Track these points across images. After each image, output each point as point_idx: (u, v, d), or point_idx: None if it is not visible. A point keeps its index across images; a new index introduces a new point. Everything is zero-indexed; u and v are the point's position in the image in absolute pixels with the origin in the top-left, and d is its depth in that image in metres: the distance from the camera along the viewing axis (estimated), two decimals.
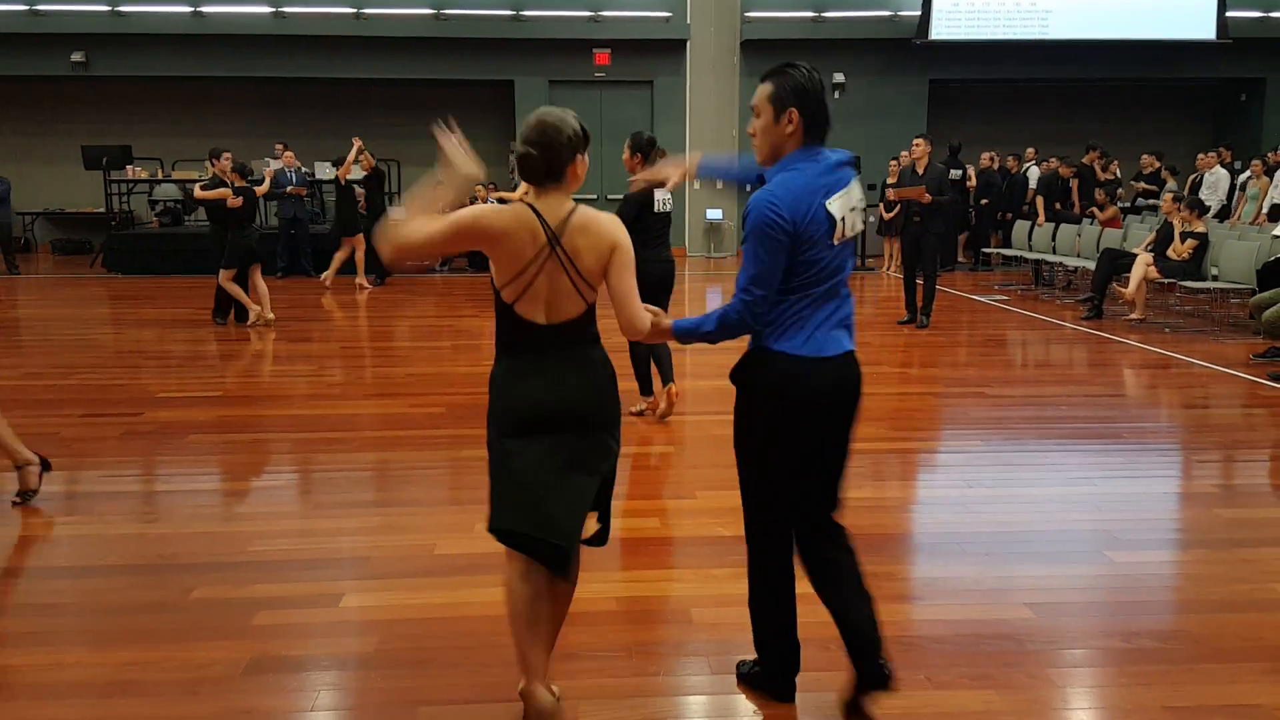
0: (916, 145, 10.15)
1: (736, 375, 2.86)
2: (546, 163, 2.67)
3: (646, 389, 6.66)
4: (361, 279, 13.11)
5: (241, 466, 5.56)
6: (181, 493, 5.08)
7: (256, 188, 10.74)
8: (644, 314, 2.75)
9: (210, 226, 10.23)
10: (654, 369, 6.53)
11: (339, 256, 13.15)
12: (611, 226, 2.72)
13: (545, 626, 2.84)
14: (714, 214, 18.12)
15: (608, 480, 2.85)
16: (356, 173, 13.39)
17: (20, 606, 3.70)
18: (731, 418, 2.88)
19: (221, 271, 9.88)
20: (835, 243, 2.74)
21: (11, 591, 3.83)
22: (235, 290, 9.95)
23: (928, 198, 9.75)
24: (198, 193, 9.89)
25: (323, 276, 13.30)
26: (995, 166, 15.82)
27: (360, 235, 13.02)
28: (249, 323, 10.02)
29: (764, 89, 2.76)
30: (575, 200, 2.76)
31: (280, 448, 5.90)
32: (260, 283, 10.08)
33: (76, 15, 16.44)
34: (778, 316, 2.75)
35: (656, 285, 6.07)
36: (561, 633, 3.42)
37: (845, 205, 2.75)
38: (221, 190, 9.83)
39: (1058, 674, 3.22)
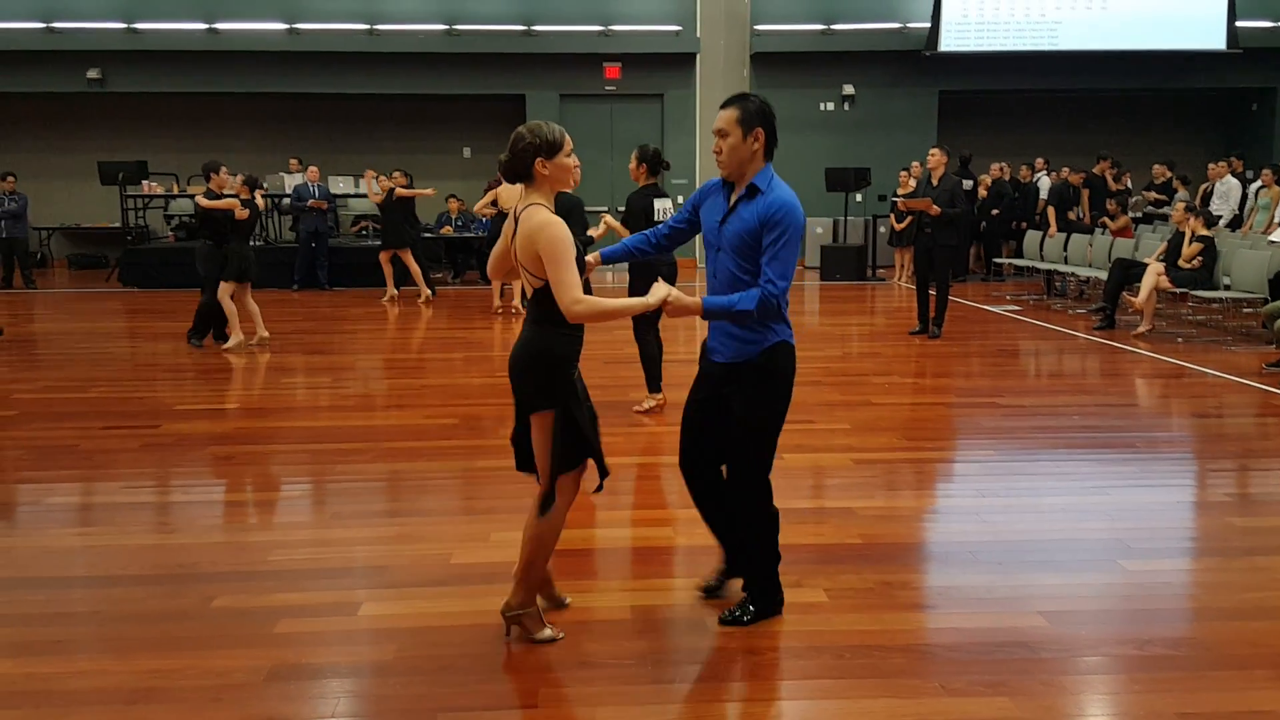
0: (932, 155, 10.14)
1: (767, 362, 3.38)
2: (510, 165, 3.25)
3: (655, 386, 6.93)
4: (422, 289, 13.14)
5: (259, 477, 5.62)
6: (200, 503, 5.13)
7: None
8: (574, 301, 3.09)
9: (203, 242, 9.77)
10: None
11: (390, 270, 13.15)
12: (536, 222, 3.15)
13: None
14: None
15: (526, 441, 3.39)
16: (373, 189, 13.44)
17: (44, 616, 3.75)
18: None
19: (222, 285, 9.47)
20: None
21: (35, 601, 3.88)
22: (230, 308, 9.55)
23: (935, 210, 9.76)
24: (203, 202, 9.55)
25: (386, 295, 13.22)
26: (1005, 177, 15.85)
27: (409, 249, 13.01)
28: (230, 345, 9.58)
29: (729, 113, 3.34)
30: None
31: (297, 459, 5.95)
32: (251, 302, 9.71)
33: (92, 33, 16.64)
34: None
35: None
36: (577, 641, 3.48)
37: None
38: (229, 200, 9.56)
39: (1072, 681, 3.24)
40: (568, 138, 3.28)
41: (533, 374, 3.27)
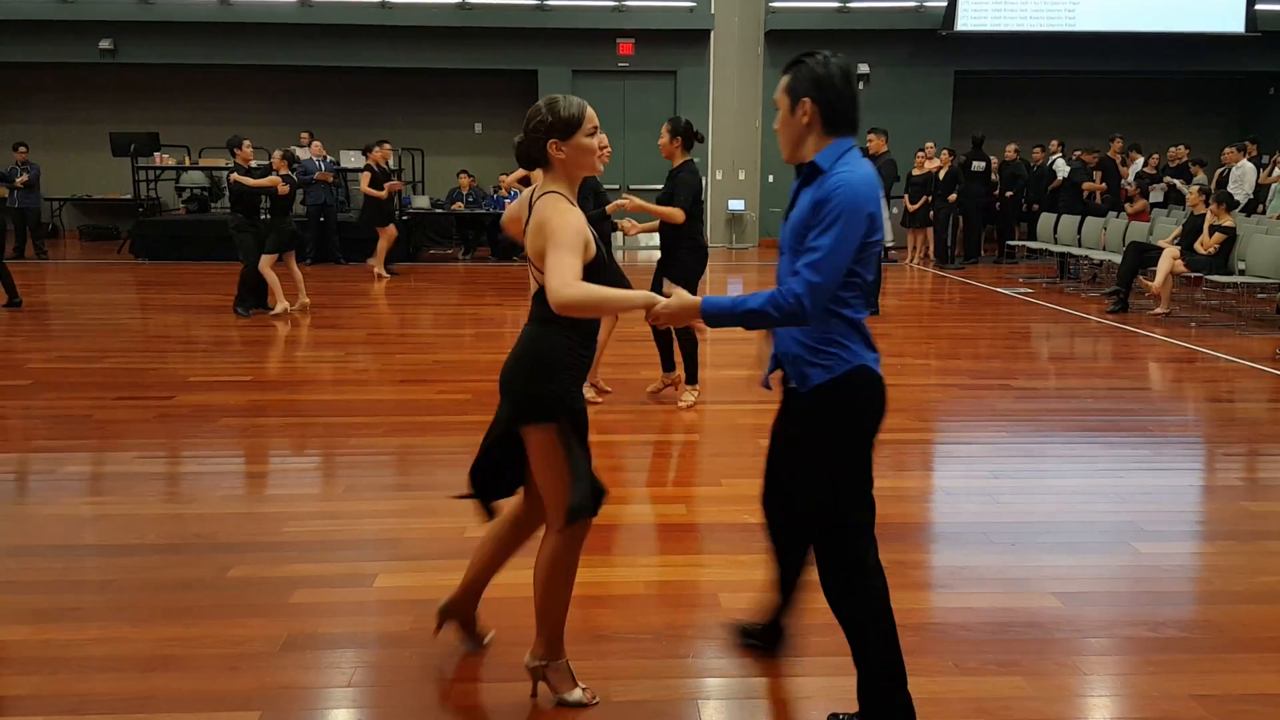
0: (871, 141, 10.76)
1: (831, 394, 2.64)
2: (523, 147, 2.83)
3: (668, 365, 6.76)
4: (379, 268, 13.27)
5: (273, 449, 5.64)
6: (215, 474, 5.16)
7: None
8: (565, 285, 2.55)
9: (236, 216, 9.96)
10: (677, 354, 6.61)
11: (382, 246, 13.25)
12: (546, 213, 2.70)
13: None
14: (736, 205, 18.12)
15: (502, 442, 2.88)
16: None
17: (61, 584, 3.77)
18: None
19: (264, 258, 9.82)
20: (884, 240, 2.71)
21: (51, 568, 3.91)
22: (272, 278, 9.91)
23: None
24: (248, 182, 9.69)
25: (369, 264, 13.41)
26: (1018, 159, 15.79)
27: (391, 226, 13.16)
28: (277, 311, 9.95)
29: (782, 81, 2.68)
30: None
31: (311, 431, 5.97)
32: (296, 269, 10.14)
33: (105, 3, 16.63)
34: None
35: (702, 265, 6.37)
36: (593, 614, 3.49)
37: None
38: (272, 179, 9.79)
39: (1085, 662, 3.25)
40: (589, 113, 2.79)
41: (533, 380, 2.76)
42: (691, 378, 6.53)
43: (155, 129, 16.72)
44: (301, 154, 14.95)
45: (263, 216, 10.25)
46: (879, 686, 2.71)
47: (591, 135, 2.80)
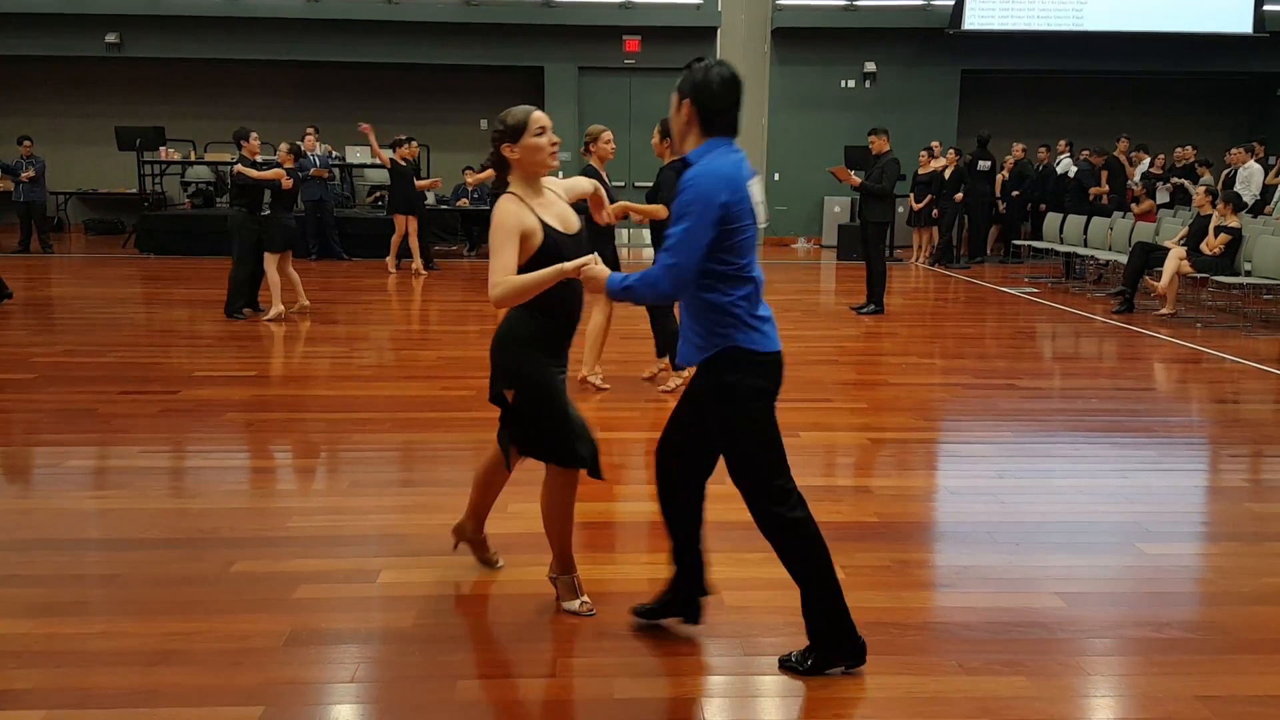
0: (873, 141, 10.64)
1: (712, 374, 2.99)
2: (492, 156, 3.31)
3: (661, 351, 6.99)
4: (417, 264, 13.23)
5: (277, 445, 5.64)
6: (219, 469, 5.16)
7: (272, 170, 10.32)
8: (493, 286, 3.08)
9: (239, 211, 9.59)
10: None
11: (395, 239, 13.22)
12: (491, 214, 3.19)
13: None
14: None
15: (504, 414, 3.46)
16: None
17: (65, 577, 3.78)
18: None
19: (267, 256, 9.52)
20: (759, 225, 2.99)
21: (54, 562, 3.91)
22: (275, 278, 9.56)
23: (855, 180, 10.35)
24: (251, 173, 9.39)
25: (386, 262, 13.39)
26: (1024, 158, 15.76)
27: (415, 215, 13.10)
28: (271, 315, 9.52)
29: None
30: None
31: (315, 427, 5.97)
32: (292, 270, 9.80)
33: None
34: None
35: None
36: (596, 612, 3.48)
37: (756, 191, 2.96)
38: (276, 171, 9.50)
39: (1089, 662, 3.24)
40: (534, 116, 3.23)
41: (494, 352, 3.34)
42: (660, 351, 6.94)
43: (161, 123, 16.72)
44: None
45: (264, 212, 10.00)
46: (814, 600, 3.06)
47: (539, 135, 3.21)
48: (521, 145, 3.20)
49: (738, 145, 3.00)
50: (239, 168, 9.46)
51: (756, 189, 2.98)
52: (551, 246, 3.18)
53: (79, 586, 3.70)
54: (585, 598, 3.51)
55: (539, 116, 3.24)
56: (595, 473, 3.40)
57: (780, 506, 3.00)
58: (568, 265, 3.04)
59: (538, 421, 3.32)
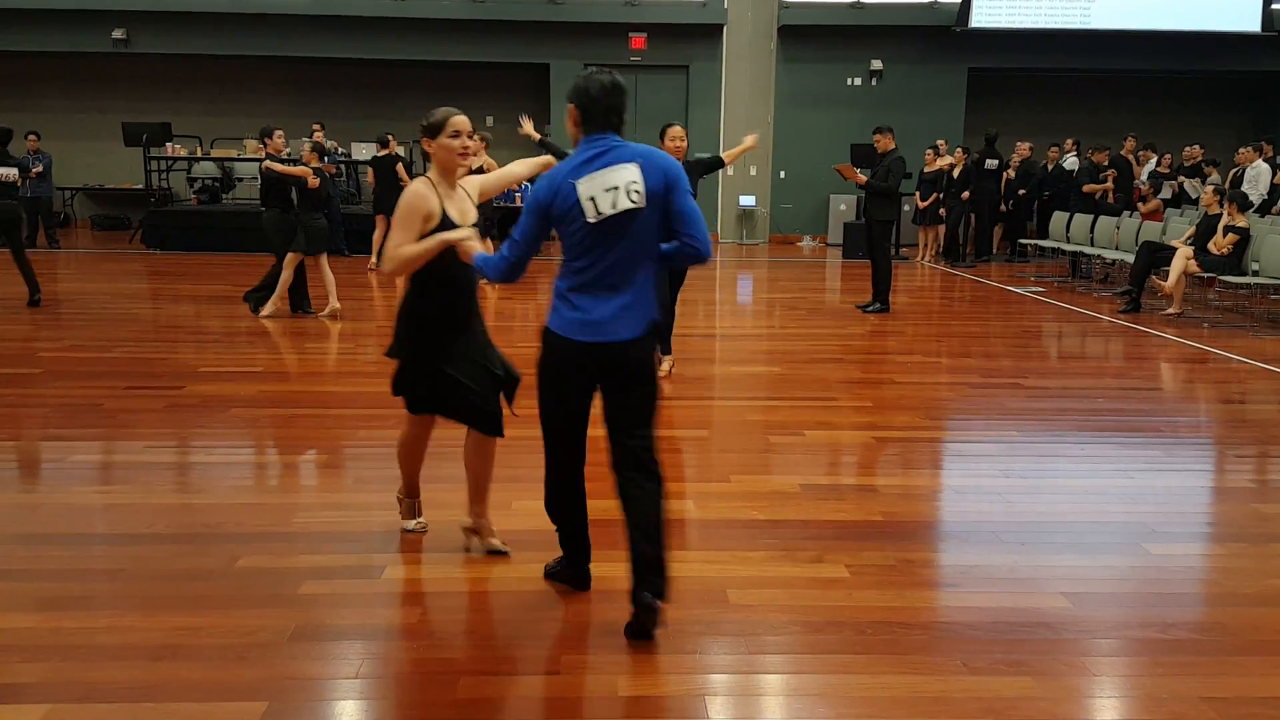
0: (879, 140, 10.63)
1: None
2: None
3: (666, 348, 7.09)
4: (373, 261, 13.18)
5: (282, 440, 5.65)
6: (224, 464, 5.16)
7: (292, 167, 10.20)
8: (386, 260, 3.57)
9: (272, 212, 9.36)
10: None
11: (377, 237, 13.18)
12: (403, 192, 3.64)
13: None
14: (747, 200, 18.09)
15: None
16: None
17: (70, 572, 3.78)
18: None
19: (290, 255, 9.29)
20: (590, 220, 3.08)
21: (60, 557, 3.92)
22: (287, 278, 9.35)
23: (861, 178, 10.47)
24: (278, 168, 9.21)
25: (370, 263, 13.35)
26: (1031, 156, 15.72)
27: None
28: (266, 312, 9.42)
29: None
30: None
31: (320, 423, 5.97)
32: (328, 271, 9.54)
33: None
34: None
35: None
36: (601, 609, 3.49)
37: (596, 186, 3.08)
38: (301, 169, 9.30)
39: (1094, 663, 3.23)
40: (453, 119, 3.60)
41: (397, 323, 3.82)
42: (665, 348, 7.07)
43: (167, 119, 16.73)
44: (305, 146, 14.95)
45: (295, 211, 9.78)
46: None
47: (454, 138, 3.59)
48: (438, 143, 3.62)
49: (622, 139, 3.20)
50: (268, 164, 9.30)
51: (614, 177, 3.08)
52: (444, 231, 3.58)
53: (84, 581, 3.71)
54: (422, 519, 4.16)
55: (457, 120, 3.62)
56: (487, 429, 3.81)
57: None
58: (450, 235, 3.50)
59: (415, 384, 3.83)
